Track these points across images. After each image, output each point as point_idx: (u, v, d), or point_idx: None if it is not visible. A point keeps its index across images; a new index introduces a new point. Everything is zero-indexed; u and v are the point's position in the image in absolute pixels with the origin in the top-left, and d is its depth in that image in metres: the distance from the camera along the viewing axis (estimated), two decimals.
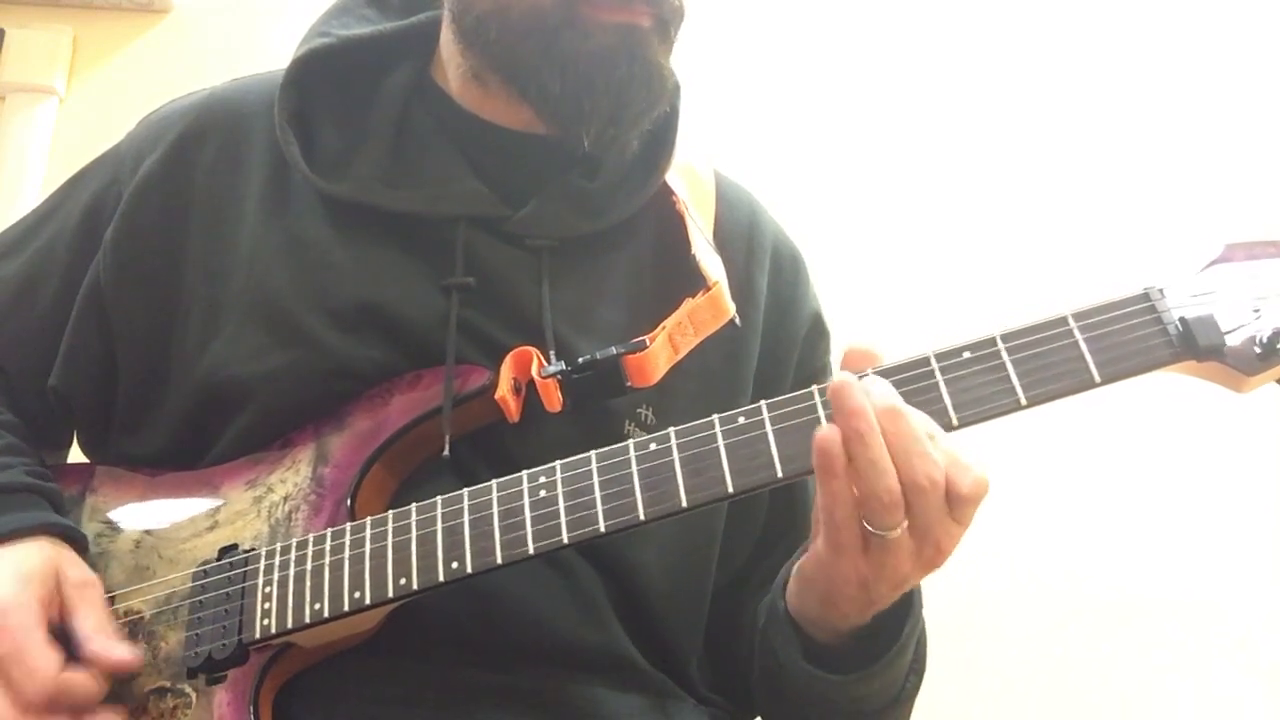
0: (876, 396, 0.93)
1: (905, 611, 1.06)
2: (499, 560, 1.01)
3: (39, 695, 1.00)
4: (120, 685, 1.08)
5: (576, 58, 1.15)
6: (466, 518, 1.03)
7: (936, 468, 0.91)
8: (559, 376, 1.11)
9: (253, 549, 1.10)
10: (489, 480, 1.04)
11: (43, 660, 1.02)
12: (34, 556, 1.08)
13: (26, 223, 1.35)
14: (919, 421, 0.93)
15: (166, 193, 1.25)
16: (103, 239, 1.25)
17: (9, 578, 1.05)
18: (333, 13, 1.31)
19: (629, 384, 1.12)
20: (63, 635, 1.06)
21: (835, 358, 1.34)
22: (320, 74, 1.26)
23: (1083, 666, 2.21)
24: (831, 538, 0.95)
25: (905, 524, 0.92)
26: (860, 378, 0.96)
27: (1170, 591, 2.23)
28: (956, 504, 0.92)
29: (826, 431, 0.92)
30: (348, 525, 1.07)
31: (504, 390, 1.10)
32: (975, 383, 0.96)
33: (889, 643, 1.05)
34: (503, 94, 1.22)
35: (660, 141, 1.28)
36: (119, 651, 1.06)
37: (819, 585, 1.01)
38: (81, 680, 1.03)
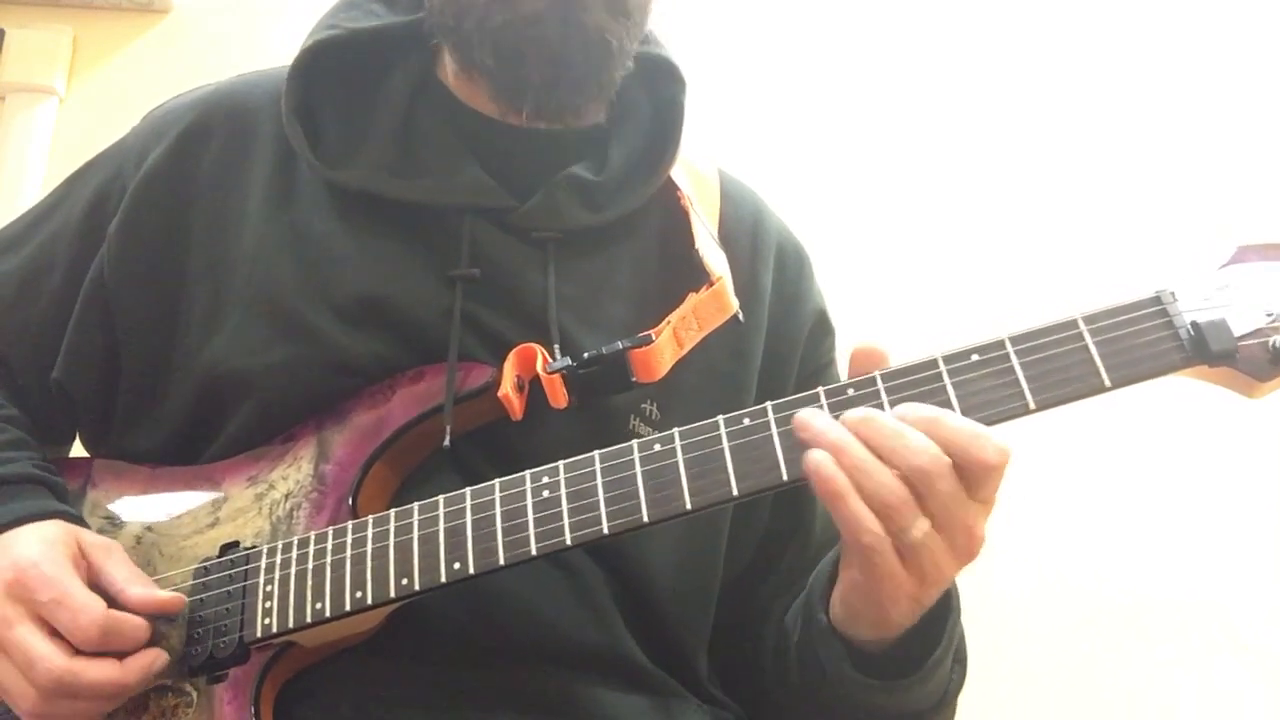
0: (841, 415, 0.93)
1: (945, 610, 1.05)
2: (501, 561, 1.00)
3: (90, 633, 1.01)
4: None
5: (505, 28, 1.16)
6: (469, 518, 1.02)
7: (929, 446, 0.90)
8: (564, 372, 1.10)
9: (254, 547, 1.10)
10: (492, 478, 1.04)
11: (89, 601, 1.02)
12: (53, 528, 1.09)
13: (30, 217, 1.34)
14: (910, 413, 0.92)
15: (171, 187, 1.24)
16: (106, 233, 1.24)
17: (35, 541, 1.06)
18: (341, 6, 1.31)
19: (634, 379, 1.12)
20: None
21: (840, 355, 1.34)
22: (327, 66, 1.26)
23: (1088, 664, 2.21)
24: (867, 565, 0.94)
25: (923, 521, 0.91)
26: (861, 387, 0.96)
27: (1175, 591, 2.24)
28: (982, 476, 0.91)
29: (813, 455, 0.92)
30: (349, 524, 1.06)
31: (507, 388, 1.10)
32: (983, 386, 0.95)
33: (934, 643, 1.04)
34: (484, 85, 1.23)
35: (665, 136, 1.28)
36: (160, 593, 1.06)
37: (869, 614, 1.00)
38: (129, 619, 1.03)
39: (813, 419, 0.93)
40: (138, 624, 1.03)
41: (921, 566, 0.93)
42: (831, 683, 1.07)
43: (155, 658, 1.04)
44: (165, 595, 1.06)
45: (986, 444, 0.90)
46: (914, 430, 0.91)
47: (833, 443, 0.91)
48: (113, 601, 1.04)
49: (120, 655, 1.03)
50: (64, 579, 1.03)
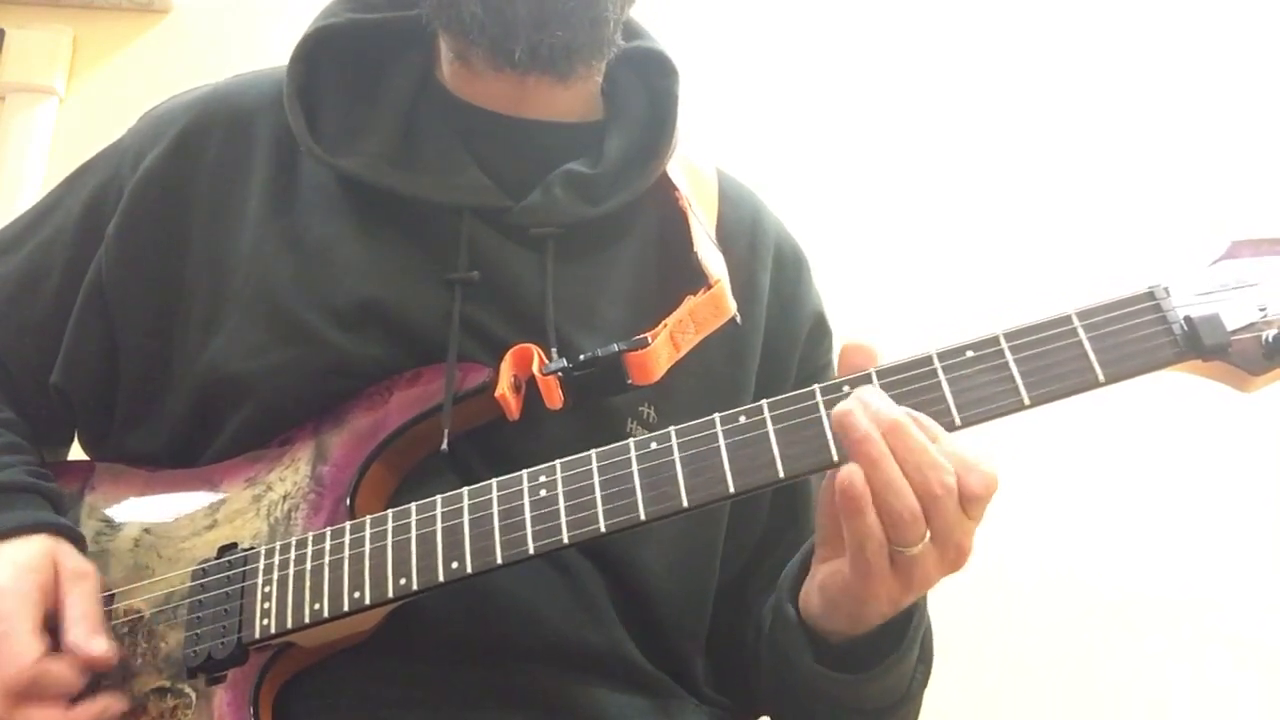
0: (876, 411, 0.93)
1: (910, 608, 1.05)
2: (499, 560, 1.01)
3: (15, 681, 1.01)
4: (120, 684, 1.08)
5: None
6: (466, 517, 1.03)
7: (948, 473, 0.91)
8: (560, 374, 1.10)
9: (252, 548, 1.10)
10: (490, 478, 1.04)
11: (23, 647, 1.02)
12: (32, 548, 1.08)
13: (27, 219, 1.34)
14: (921, 430, 0.93)
15: (169, 188, 1.24)
16: (104, 234, 1.25)
17: (6, 566, 1.06)
18: None
19: (630, 382, 1.12)
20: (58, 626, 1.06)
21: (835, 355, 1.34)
22: (329, 54, 1.26)
23: (1080, 657, 2.21)
24: (861, 567, 0.95)
25: (928, 536, 0.92)
26: (856, 385, 0.96)
27: (1167, 583, 2.24)
28: (969, 503, 0.92)
29: (849, 472, 0.92)
30: (347, 524, 1.06)
31: (504, 388, 1.10)
32: (978, 382, 0.96)
33: (897, 640, 1.05)
34: (480, 66, 1.23)
35: (660, 127, 1.28)
36: (95, 645, 1.05)
37: (847, 608, 1.01)
38: (58, 671, 1.03)
39: (856, 423, 0.92)
40: (67, 677, 1.03)
41: (910, 575, 0.94)
42: (795, 674, 1.08)
43: (106, 706, 1.05)
44: (96, 650, 1.05)
45: (974, 474, 0.92)
46: (937, 450, 0.92)
47: (868, 455, 0.91)
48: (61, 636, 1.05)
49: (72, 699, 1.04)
50: (14, 615, 1.03)
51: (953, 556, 0.94)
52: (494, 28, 1.17)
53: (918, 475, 0.91)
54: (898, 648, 1.04)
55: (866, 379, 0.98)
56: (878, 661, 1.04)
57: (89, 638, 1.05)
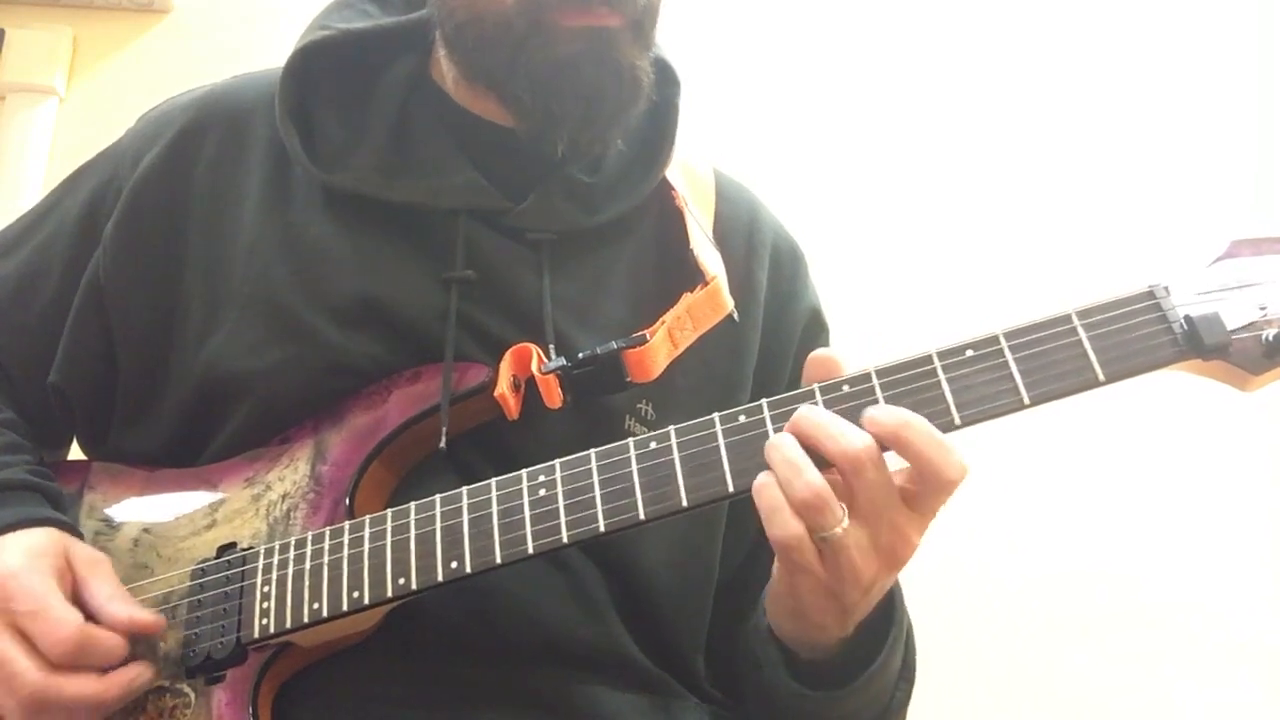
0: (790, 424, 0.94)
1: (888, 621, 1.05)
2: (498, 560, 1.00)
3: (64, 648, 1.00)
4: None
5: (543, 66, 1.15)
6: (465, 517, 1.03)
7: (863, 436, 0.91)
8: (559, 372, 1.10)
9: (251, 548, 1.10)
10: (489, 477, 1.04)
11: (65, 614, 1.02)
12: (42, 537, 1.08)
13: (26, 220, 1.35)
14: (830, 414, 0.93)
15: (166, 188, 1.25)
16: (102, 235, 1.25)
17: (20, 551, 1.06)
18: (334, 7, 1.32)
19: (629, 379, 1.12)
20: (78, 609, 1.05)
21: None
22: (320, 66, 1.26)
23: (1084, 671, 2.20)
24: (785, 559, 0.94)
25: (846, 521, 0.91)
26: (855, 384, 0.96)
27: (1171, 588, 2.23)
28: (935, 487, 0.92)
29: (760, 476, 0.93)
30: (346, 524, 1.06)
31: (503, 387, 1.10)
32: (978, 381, 0.95)
33: (873, 654, 1.04)
34: (491, 96, 1.23)
35: (660, 137, 1.28)
36: (142, 613, 1.06)
37: (787, 603, 1.01)
38: (102, 636, 1.03)
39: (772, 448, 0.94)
40: (114, 642, 1.03)
41: (839, 564, 0.93)
42: (773, 688, 1.07)
43: (138, 673, 1.04)
44: (146, 616, 1.06)
45: (950, 457, 0.91)
46: (846, 421, 0.92)
47: (770, 444, 0.93)
48: (93, 617, 1.04)
49: (104, 669, 1.03)
50: (43, 591, 1.02)
51: (887, 541, 0.93)
52: (537, 116, 1.18)
53: (831, 443, 0.91)
54: (871, 663, 1.04)
55: (866, 378, 0.97)
56: (853, 678, 1.04)
57: (134, 609, 1.06)
